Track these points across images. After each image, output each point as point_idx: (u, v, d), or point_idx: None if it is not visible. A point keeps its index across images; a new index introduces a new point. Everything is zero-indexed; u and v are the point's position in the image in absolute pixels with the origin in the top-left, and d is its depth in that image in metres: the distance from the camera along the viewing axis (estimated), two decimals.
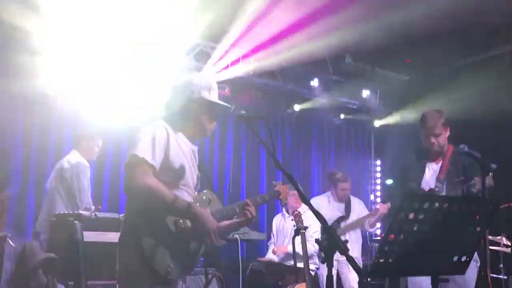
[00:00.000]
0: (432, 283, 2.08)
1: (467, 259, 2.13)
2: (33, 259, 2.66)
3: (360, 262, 5.96)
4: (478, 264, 3.36)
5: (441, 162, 3.72)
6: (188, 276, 4.19)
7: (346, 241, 5.35)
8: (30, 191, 5.89)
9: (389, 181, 7.96)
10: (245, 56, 6.63)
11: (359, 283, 5.65)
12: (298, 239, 4.56)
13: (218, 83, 6.43)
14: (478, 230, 2.10)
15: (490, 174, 3.27)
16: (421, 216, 1.92)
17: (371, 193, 8.91)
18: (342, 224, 5.45)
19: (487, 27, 6.46)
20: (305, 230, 4.76)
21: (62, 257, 2.72)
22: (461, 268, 2.14)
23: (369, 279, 5.60)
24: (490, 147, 6.54)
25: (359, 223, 5.58)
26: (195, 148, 2.59)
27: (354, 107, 8.29)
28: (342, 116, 8.31)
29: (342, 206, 5.96)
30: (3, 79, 5.11)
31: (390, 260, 1.94)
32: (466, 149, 3.08)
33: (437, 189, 3.61)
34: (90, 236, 3.44)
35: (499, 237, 5.14)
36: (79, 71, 5.66)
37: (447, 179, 3.62)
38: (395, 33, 6.58)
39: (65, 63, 5.57)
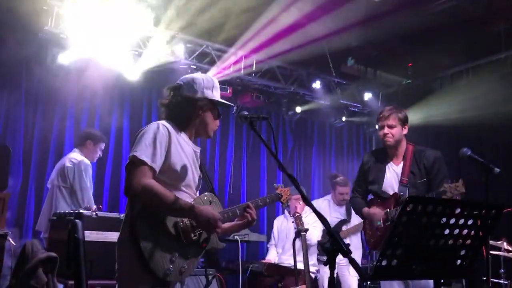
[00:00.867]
0: (434, 286, 2.07)
1: (470, 263, 2.12)
2: (33, 258, 2.65)
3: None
4: None
5: (402, 163, 3.65)
6: (188, 277, 4.21)
7: (348, 245, 5.33)
8: (30, 190, 5.89)
9: None
10: (247, 56, 6.63)
11: (359, 286, 5.63)
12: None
13: (220, 84, 6.44)
14: (480, 234, 2.09)
15: (461, 181, 3.24)
16: (424, 219, 1.92)
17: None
18: (344, 228, 5.44)
19: (489, 31, 6.48)
20: (306, 232, 4.75)
21: (63, 256, 2.71)
22: (464, 272, 2.13)
23: (369, 282, 5.57)
24: (490, 150, 6.60)
25: (360, 227, 5.57)
26: (198, 150, 2.58)
27: (356, 109, 8.30)
28: (343, 118, 8.30)
29: (342, 209, 5.94)
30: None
31: (392, 263, 1.94)
32: (469, 153, 3.07)
33: (401, 193, 3.55)
34: (90, 235, 3.43)
35: (500, 242, 5.13)
36: None
37: (409, 182, 3.57)
38: (398, 37, 6.60)
39: None
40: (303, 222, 4.83)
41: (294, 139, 8.31)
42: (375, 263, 2.04)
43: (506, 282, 5.09)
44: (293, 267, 4.71)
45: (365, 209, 3.74)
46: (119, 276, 2.34)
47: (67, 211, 3.87)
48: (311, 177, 8.40)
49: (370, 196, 3.90)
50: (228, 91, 6.77)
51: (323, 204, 6.05)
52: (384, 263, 1.92)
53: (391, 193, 3.62)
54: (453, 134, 7.01)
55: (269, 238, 6.30)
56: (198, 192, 2.61)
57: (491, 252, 4.62)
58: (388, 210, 3.59)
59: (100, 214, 3.62)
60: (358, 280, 5.59)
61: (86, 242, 3.37)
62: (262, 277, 5.58)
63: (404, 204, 1.85)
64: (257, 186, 7.74)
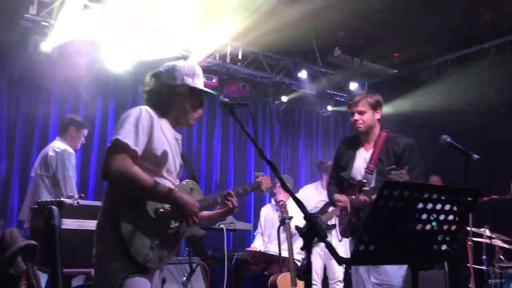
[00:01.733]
0: (411, 271, 2.09)
1: (448, 249, 2.14)
2: (12, 246, 2.63)
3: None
4: None
5: (372, 149, 3.59)
6: (172, 265, 4.21)
7: (334, 226, 5.37)
8: (14, 179, 5.84)
9: None
10: (232, 44, 6.59)
11: (345, 273, 5.68)
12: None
13: (206, 73, 6.38)
14: (459, 219, 2.11)
15: (405, 169, 3.22)
16: (401, 204, 1.92)
17: None
18: (330, 209, 5.47)
19: (474, 22, 6.50)
20: (290, 220, 4.77)
21: (41, 244, 2.70)
22: (441, 257, 2.15)
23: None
24: (474, 139, 6.67)
25: None
26: (179, 137, 2.56)
27: (342, 99, 8.32)
28: (329, 108, 8.32)
29: None
30: None
31: (370, 248, 1.95)
32: (449, 139, 3.09)
33: (365, 180, 3.50)
34: (71, 223, 3.41)
35: (482, 229, 5.20)
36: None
37: (376, 168, 3.50)
38: (384, 27, 6.61)
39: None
40: (287, 210, 4.86)
41: (281, 129, 8.32)
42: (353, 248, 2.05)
43: (487, 268, 5.17)
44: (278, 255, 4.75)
45: (334, 196, 3.72)
46: (97, 261, 2.32)
47: (48, 200, 3.84)
48: (298, 166, 8.44)
49: None
50: (214, 80, 6.74)
51: (311, 189, 6.15)
52: (361, 248, 1.94)
53: (358, 179, 3.58)
54: (439, 123, 7.06)
55: (256, 227, 6.34)
56: (179, 180, 2.60)
57: (474, 239, 4.68)
58: (353, 197, 3.55)
59: (82, 202, 3.59)
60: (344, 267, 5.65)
61: (68, 231, 3.37)
62: (247, 265, 5.61)
63: (380, 189, 1.86)
64: (244, 175, 7.75)
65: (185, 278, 4.15)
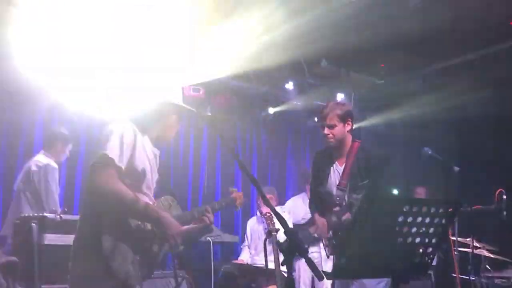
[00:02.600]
0: (392, 285, 2.09)
1: (429, 261, 2.15)
2: None
3: None
4: None
5: (345, 164, 3.45)
6: (158, 279, 4.17)
7: None
8: None
9: None
10: (220, 58, 6.59)
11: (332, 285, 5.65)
12: None
13: (193, 85, 6.33)
14: (439, 231, 2.11)
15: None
16: (382, 218, 1.93)
17: None
18: None
19: (459, 33, 6.57)
20: (277, 232, 4.75)
21: (22, 260, 2.66)
22: (422, 269, 2.16)
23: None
24: (458, 150, 6.71)
25: None
26: (158, 153, 2.60)
27: None
28: (316, 119, 8.33)
29: None
30: None
31: (351, 262, 1.95)
32: (430, 152, 3.11)
33: (337, 198, 3.40)
34: (53, 238, 3.37)
35: (468, 239, 5.21)
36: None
37: (349, 183, 3.37)
38: (370, 38, 6.65)
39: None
40: (274, 222, 4.83)
41: (268, 140, 8.32)
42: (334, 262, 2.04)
43: (473, 278, 5.18)
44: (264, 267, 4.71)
45: (314, 217, 3.66)
46: (74, 277, 2.29)
47: (31, 214, 3.79)
48: (285, 177, 8.43)
49: None
50: (201, 92, 6.73)
51: (298, 201, 6.13)
52: (342, 261, 1.94)
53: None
54: (424, 134, 7.09)
55: (242, 239, 6.31)
56: (153, 195, 2.61)
57: (460, 249, 4.69)
58: (326, 220, 3.49)
59: (65, 217, 3.55)
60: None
61: (50, 246, 3.33)
62: (234, 277, 5.58)
63: (361, 204, 1.87)
64: (231, 185, 7.70)
65: None
